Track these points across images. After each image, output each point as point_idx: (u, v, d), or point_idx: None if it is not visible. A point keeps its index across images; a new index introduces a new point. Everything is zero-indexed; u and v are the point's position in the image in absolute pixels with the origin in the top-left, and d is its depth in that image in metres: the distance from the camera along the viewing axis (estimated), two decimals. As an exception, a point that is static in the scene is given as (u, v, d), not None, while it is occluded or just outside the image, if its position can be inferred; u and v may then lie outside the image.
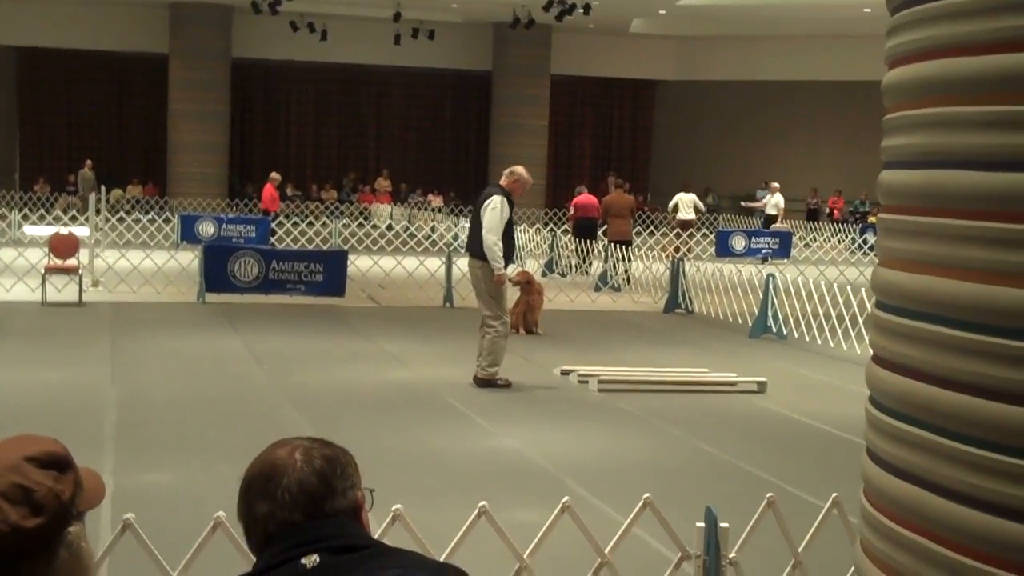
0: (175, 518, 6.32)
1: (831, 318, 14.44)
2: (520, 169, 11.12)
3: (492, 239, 10.58)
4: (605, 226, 21.95)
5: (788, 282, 15.89)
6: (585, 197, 23.86)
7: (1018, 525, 2.56)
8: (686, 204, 27.05)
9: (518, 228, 21.82)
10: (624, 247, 20.98)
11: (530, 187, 11.46)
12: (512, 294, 12.54)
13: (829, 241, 30.93)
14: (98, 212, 20.98)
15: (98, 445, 8.07)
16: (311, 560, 2.17)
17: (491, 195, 10.75)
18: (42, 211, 31.81)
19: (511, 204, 10.80)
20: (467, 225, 25.20)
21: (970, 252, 2.69)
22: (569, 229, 24.40)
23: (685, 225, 26.64)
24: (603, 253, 21.06)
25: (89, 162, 34.86)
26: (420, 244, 24.71)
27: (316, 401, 10.02)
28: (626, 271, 20.52)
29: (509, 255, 10.81)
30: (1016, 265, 2.58)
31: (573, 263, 22.86)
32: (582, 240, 22.85)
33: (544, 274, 21.41)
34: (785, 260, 26.34)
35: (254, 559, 2.28)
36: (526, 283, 14.46)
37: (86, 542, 1.85)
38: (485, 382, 10.83)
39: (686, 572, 4.62)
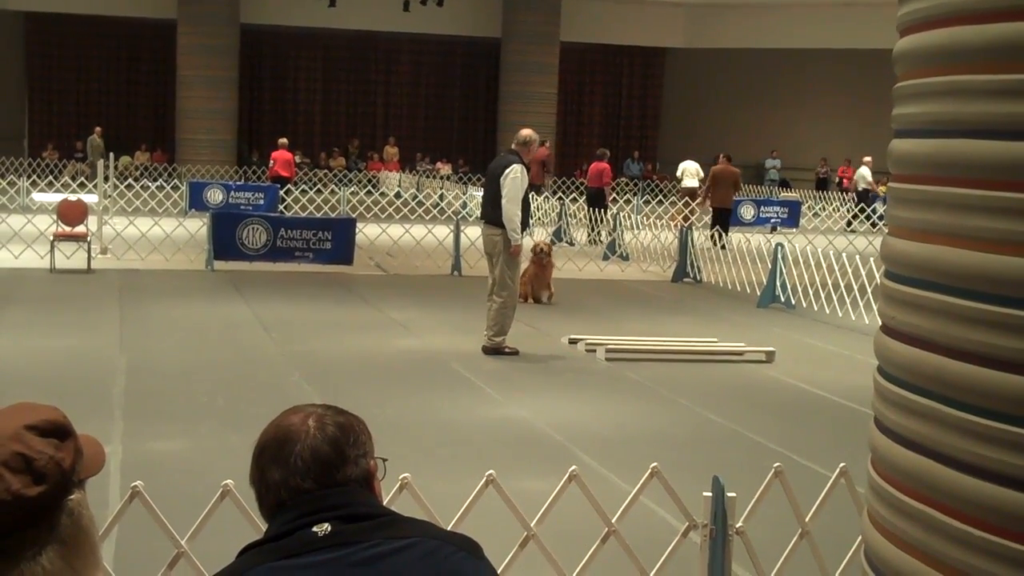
0: (184, 486, 6.34)
1: (839, 288, 14.42)
2: (528, 132, 11.06)
3: (512, 209, 10.54)
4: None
5: (797, 251, 15.86)
6: (596, 165, 23.80)
7: (1026, 496, 2.55)
8: (690, 172, 27.02)
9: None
10: (725, 214, 22.04)
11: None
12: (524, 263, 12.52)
13: (838, 211, 30.83)
14: (106, 179, 21.00)
15: (107, 412, 8.10)
16: (323, 528, 2.17)
17: (510, 163, 10.66)
18: (51, 178, 31.82)
19: (528, 170, 10.79)
20: (475, 193, 25.06)
21: (980, 222, 2.67)
22: (578, 197, 24.38)
23: (691, 193, 26.53)
24: (611, 222, 21.00)
25: (98, 128, 34.76)
26: (428, 212, 24.67)
27: (324, 369, 10.04)
28: (719, 236, 20.14)
29: (524, 223, 10.80)
30: (1027, 235, 2.56)
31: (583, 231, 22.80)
32: (591, 209, 22.78)
33: (553, 243, 21.33)
34: (794, 229, 26.27)
35: (264, 525, 2.28)
36: (546, 254, 14.41)
37: (87, 509, 1.85)
38: (492, 350, 10.85)
39: (693, 541, 4.63)
